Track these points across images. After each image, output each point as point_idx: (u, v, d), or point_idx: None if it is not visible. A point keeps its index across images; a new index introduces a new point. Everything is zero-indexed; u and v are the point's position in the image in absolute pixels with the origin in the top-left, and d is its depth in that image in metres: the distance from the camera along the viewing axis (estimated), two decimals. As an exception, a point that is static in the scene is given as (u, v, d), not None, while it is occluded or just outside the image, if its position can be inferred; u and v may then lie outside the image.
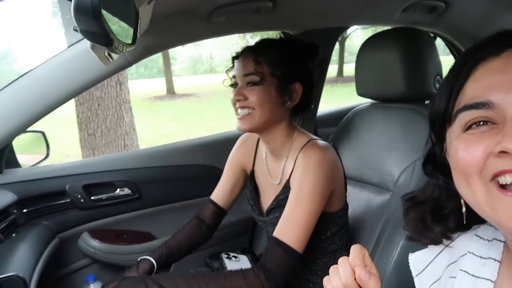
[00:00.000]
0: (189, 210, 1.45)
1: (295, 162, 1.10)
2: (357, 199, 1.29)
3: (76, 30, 0.48)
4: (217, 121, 8.98)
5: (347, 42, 19.98)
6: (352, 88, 1.40)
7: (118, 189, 1.53)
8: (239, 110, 1.11)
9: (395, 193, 1.20)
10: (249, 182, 1.32)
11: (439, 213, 0.57)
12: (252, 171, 1.31)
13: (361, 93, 1.40)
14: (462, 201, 0.53)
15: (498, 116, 0.44)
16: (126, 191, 1.53)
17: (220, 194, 1.32)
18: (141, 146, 4.74)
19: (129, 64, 1.24)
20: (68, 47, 1.18)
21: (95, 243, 1.46)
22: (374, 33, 1.37)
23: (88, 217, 1.51)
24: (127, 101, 4.08)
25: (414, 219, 0.60)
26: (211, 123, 8.81)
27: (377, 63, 1.31)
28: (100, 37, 0.47)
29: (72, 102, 3.87)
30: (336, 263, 1.16)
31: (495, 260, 0.54)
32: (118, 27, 0.54)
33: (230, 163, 1.34)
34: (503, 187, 0.44)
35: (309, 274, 1.19)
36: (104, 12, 0.47)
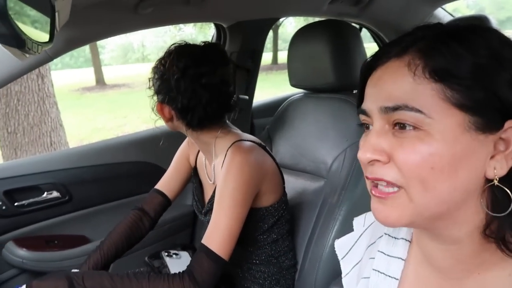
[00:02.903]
0: (125, 209, 1.38)
1: (222, 163, 1.09)
2: (293, 188, 1.33)
3: (-21, 29, 0.43)
4: (153, 112, 8.67)
5: (280, 30, 20.29)
6: (286, 75, 1.43)
7: (45, 193, 1.42)
8: None
9: (329, 180, 1.25)
10: (194, 178, 1.31)
11: None
12: (195, 167, 1.30)
13: (293, 84, 1.43)
14: None
15: (372, 123, 0.50)
16: (55, 194, 1.43)
17: (168, 184, 1.29)
18: (70, 142, 4.45)
19: (50, 58, 1.15)
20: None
21: (22, 252, 1.35)
22: (306, 21, 1.41)
23: (12, 225, 1.39)
24: (51, 94, 3.78)
25: None
26: (146, 115, 8.50)
27: (307, 55, 1.35)
28: (9, 39, 0.41)
29: (-14, 98, 3.52)
30: (278, 251, 1.20)
31: (406, 240, 0.59)
32: (31, 25, 0.49)
33: (180, 154, 1.32)
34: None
35: (252, 264, 1.21)
36: (12, 9, 0.42)
